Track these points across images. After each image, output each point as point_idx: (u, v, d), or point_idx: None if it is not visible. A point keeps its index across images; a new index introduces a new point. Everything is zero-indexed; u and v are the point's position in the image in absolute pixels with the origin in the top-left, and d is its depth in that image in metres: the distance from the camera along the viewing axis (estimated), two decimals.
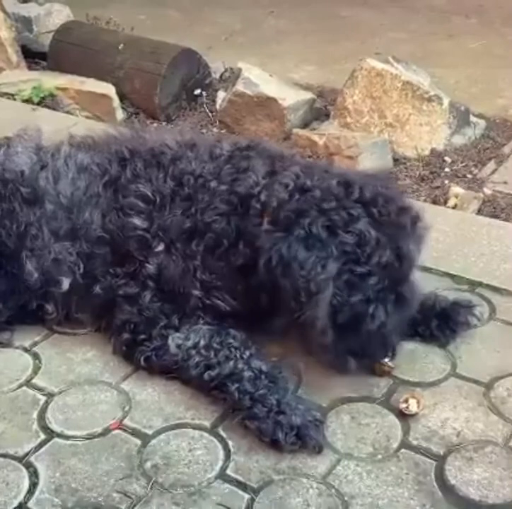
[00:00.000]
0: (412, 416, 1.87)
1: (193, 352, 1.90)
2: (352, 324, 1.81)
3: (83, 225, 2.05)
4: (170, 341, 1.94)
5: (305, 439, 1.76)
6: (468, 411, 1.89)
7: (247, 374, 1.83)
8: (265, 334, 1.99)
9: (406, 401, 1.88)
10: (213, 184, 1.98)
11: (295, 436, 1.76)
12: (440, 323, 2.09)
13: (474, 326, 2.12)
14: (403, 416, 1.87)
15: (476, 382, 1.97)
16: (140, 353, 1.97)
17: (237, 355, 1.87)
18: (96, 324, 2.14)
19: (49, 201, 2.08)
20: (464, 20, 5.39)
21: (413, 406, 1.87)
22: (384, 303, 1.82)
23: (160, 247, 1.97)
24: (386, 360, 1.98)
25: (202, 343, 1.91)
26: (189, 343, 1.92)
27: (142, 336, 1.97)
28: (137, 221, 2.00)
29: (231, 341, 1.91)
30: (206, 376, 1.87)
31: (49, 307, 2.12)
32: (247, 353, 1.88)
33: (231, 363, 1.86)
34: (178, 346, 1.93)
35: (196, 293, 1.96)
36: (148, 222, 1.99)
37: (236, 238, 1.92)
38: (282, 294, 1.82)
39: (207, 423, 1.86)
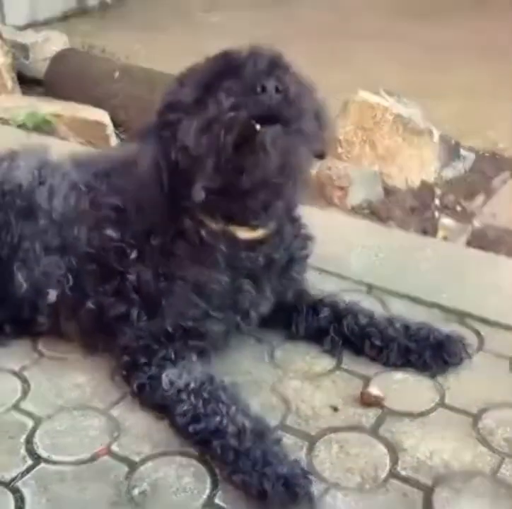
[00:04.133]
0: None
1: (183, 396, 1.88)
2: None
3: (72, 241, 2.08)
4: (164, 376, 1.92)
5: (294, 489, 1.67)
6: (456, 442, 1.89)
7: (230, 429, 1.79)
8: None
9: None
10: None
11: (283, 486, 1.68)
12: (434, 353, 2.09)
13: (465, 360, 2.13)
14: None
15: (464, 412, 1.98)
16: (136, 378, 1.96)
17: (224, 411, 1.83)
18: (83, 342, 2.15)
19: (42, 216, 2.11)
20: (455, 53, 5.48)
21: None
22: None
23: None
24: (374, 391, 1.99)
25: (192, 385, 1.89)
26: (181, 383, 1.90)
27: (142, 361, 1.97)
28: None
29: (220, 393, 1.88)
30: (191, 429, 1.84)
31: (41, 318, 2.13)
32: (233, 408, 1.84)
33: (217, 418, 1.82)
34: (171, 383, 1.91)
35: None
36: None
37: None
38: None
39: (195, 451, 1.84)
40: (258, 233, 1.98)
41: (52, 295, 2.10)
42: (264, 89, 1.74)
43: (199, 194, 1.83)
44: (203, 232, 1.94)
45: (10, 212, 2.11)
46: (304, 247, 2.12)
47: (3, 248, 2.10)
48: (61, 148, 2.41)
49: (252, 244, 1.98)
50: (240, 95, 1.75)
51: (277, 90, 1.76)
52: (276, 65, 1.82)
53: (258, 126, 1.74)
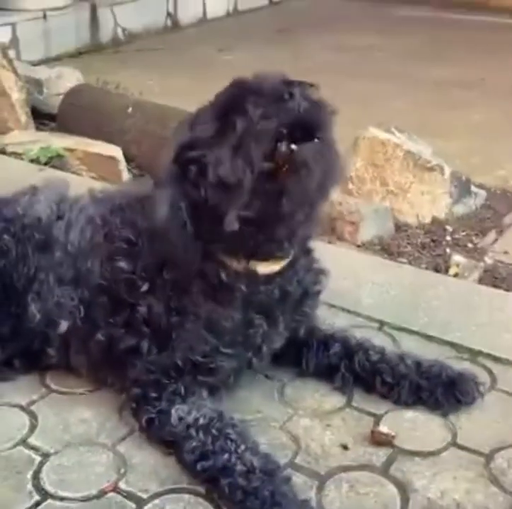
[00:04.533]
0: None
1: (192, 432, 1.86)
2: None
3: (85, 273, 2.09)
4: (173, 411, 1.91)
5: None
6: (468, 482, 1.86)
7: (239, 468, 1.77)
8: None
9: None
10: None
11: None
12: (446, 391, 2.07)
13: (478, 399, 2.10)
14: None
15: (476, 452, 1.95)
16: (145, 412, 1.95)
17: (232, 449, 1.81)
18: (92, 376, 2.14)
19: (58, 248, 2.13)
20: (465, 92, 5.52)
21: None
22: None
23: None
24: (385, 429, 1.97)
25: (201, 421, 1.87)
26: (190, 419, 1.88)
27: (153, 395, 1.95)
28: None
29: (229, 431, 1.86)
30: (199, 466, 1.82)
31: (51, 351, 2.13)
32: (242, 447, 1.82)
33: (226, 456, 1.80)
34: (180, 419, 1.90)
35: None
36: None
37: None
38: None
39: (202, 488, 1.82)
40: (279, 265, 1.96)
41: (63, 325, 2.10)
42: (291, 95, 1.73)
43: (232, 223, 1.78)
44: (223, 275, 1.92)
45: (28, 245, 2.13)
46: (317, 282, 2.11)
47: (19, 280, 2.12)
48: (74, 183, 2.42)
49: (270, 278, 1.97)
50: (268, 105, 1.73)
51: (304, 97, 1.75)
52: (288, 80, 1.80)
53: (294, 146, 1.72)
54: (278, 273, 1.97)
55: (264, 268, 1.95)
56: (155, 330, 1.98)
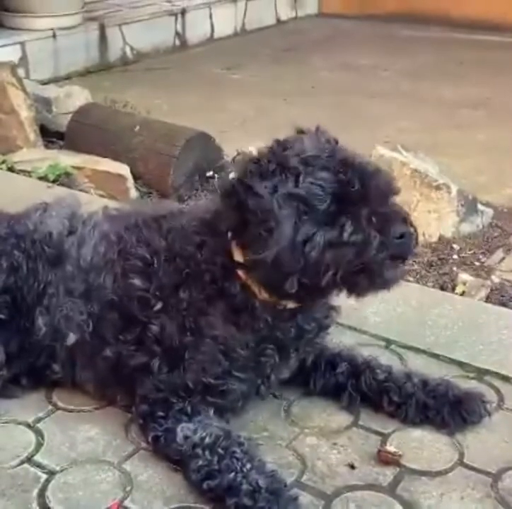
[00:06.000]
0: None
1: (198, 451, 1.86)
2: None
3: (96, 288, 2.09)
4: (178, 430, 1.91)
5: None
6: (476, 503, 1.85)
7: (244, 487, 1.77)
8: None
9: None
10: None
11: None
12: (453, 410, 2.06)
13: (485, 418, 2.09)
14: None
15: (483, 472, 1.94)
16: (151, 430, 1.95)
17: (238, 468, 1.81)
18: (99, 392, 2.14)
19: (69, 263, 2.13)
20: (471, 112, 5.53)
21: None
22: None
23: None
24: (392, 448, 1.96)
25: (207, 440, 1.87)
26: (196, 438, 1.88)
27: (160, 413, 1.95)
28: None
29: (235, 449, 1.85)
30: (205, 485, 1.82)
31: (56, 366, 2.14)
32: (248, 465, 1.82)
33: (231, 475, 1.79)
34: (186, 437, 1.89)
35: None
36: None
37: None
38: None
39: (208, 508, 1.82)
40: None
41: (72, 338, 2.10)
42: (402, 236, 1.84)
43: (293, 285, 1.83)
44: (256, 303, 1.93)
45: (38, 260, 2.14)
46: (328, 316, 2.12)
47: (29, 295, 2.12)
48: (82, 200, 2.43)
49: (293, 313, 1.98)
50: (377, 231, 1.81)
51: (411, 236, 1.87)
52: (406, 215, 1.90)
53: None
54: (300, 310, 1.99)
55: (291, 304, 1.97)
56: (166, 349, 1.98)
